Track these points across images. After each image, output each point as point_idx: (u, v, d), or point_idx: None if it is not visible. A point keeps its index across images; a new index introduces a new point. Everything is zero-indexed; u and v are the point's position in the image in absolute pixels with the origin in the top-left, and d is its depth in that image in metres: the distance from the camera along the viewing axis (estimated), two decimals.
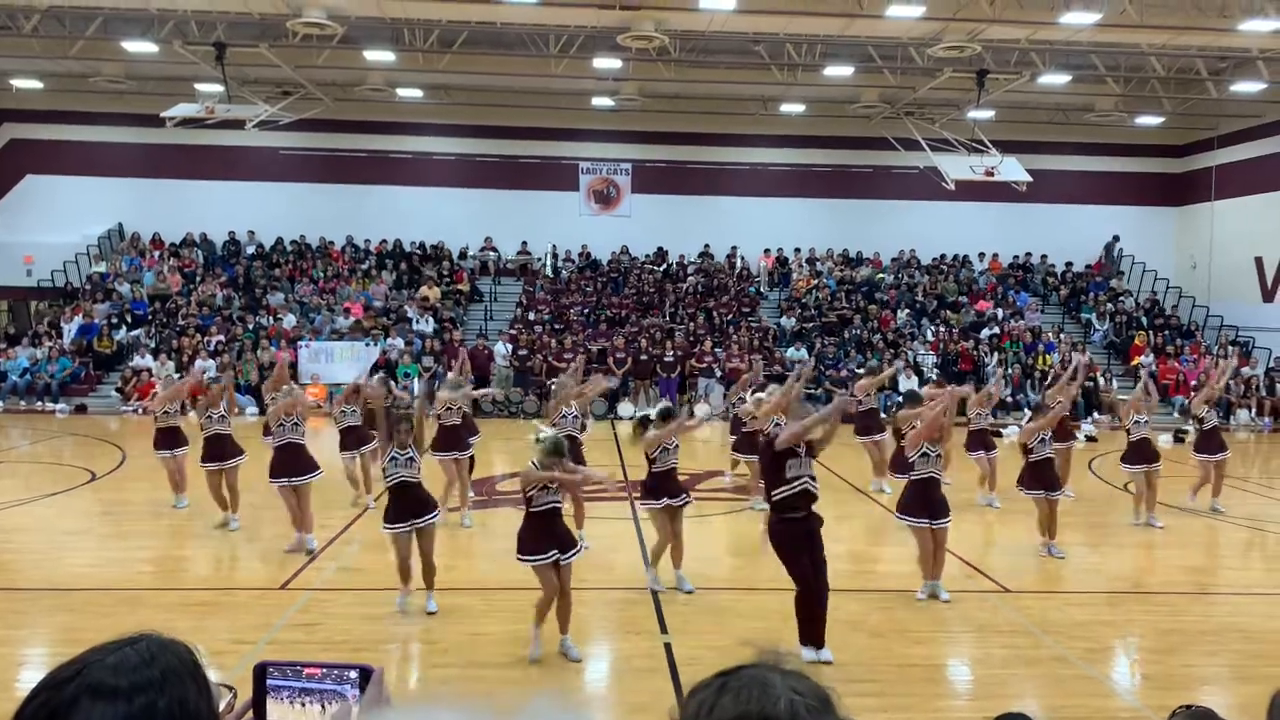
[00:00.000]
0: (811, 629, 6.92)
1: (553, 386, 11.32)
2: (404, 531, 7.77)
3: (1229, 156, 27.07)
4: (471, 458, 11.66)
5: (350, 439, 11.83)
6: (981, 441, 12.61)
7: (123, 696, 1.15)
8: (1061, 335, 24.94)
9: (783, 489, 6.99)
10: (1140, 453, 11.58)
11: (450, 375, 12.48)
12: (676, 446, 8.66)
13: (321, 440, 13.39)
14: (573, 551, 6.93)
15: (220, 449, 10.58)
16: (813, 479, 7.05)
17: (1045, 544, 10.05)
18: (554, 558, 6.80)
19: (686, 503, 8.66)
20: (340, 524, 10.84)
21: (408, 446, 7.85)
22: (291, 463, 9.70)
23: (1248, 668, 7.10)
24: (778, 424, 10.58)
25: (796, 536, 6.99)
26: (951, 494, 12.54)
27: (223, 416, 10.67)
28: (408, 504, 7.80)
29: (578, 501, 10.21)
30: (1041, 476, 10.05)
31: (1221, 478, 12.59)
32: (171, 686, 1.19)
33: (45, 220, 26.21)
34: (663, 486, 8.55)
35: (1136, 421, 11.63)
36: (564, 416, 10.55)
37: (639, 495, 9.02)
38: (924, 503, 8.29)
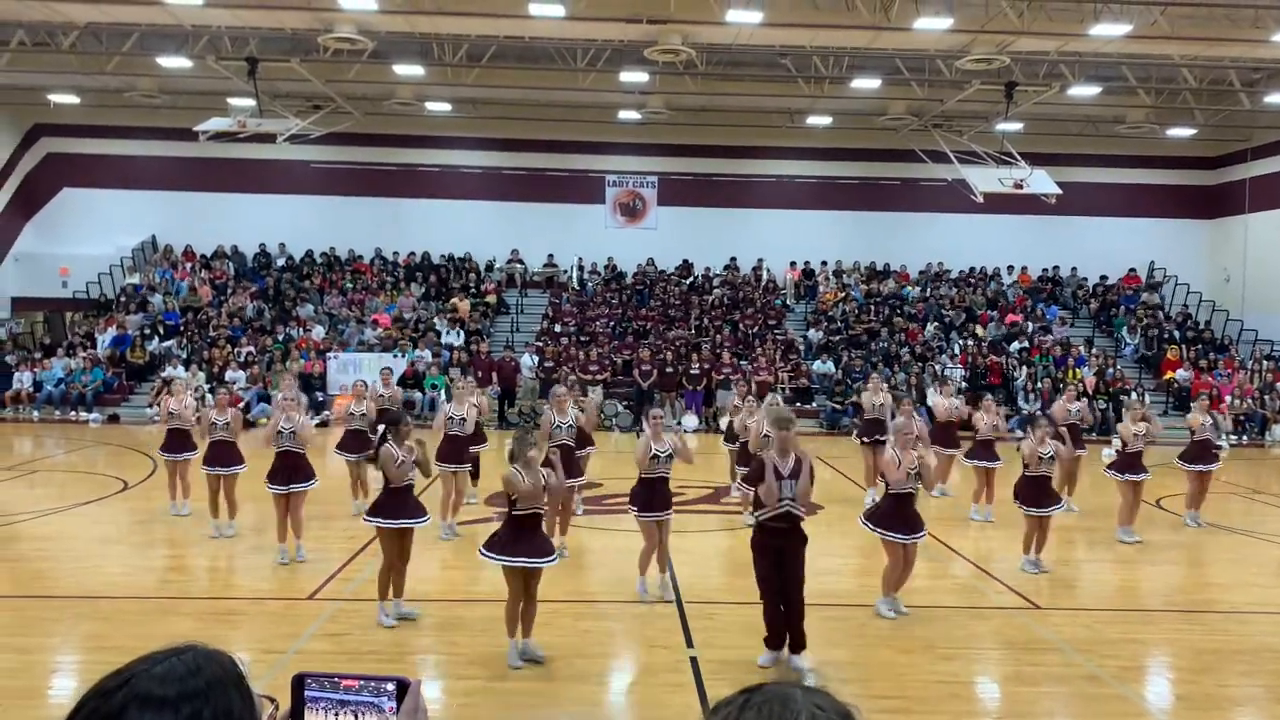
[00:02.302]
0: (778, 638, 7.12)
1: (552, 391, 11.47)
2: (395, 528, 7.87)
3: (1263, 168, 26.73)
4: (475, 471, 11.93)
5: (352, 442, 11.97)
6: (986, 452, 12.50)
7: (170, 705, 1.17)
8: (1093, 349, 24.69)
9: (765, 512, 7.10)
10: (1130, 464, 11.50)
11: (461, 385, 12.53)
12: (669, 456, 8.60)
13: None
14: (544, 560, 6.95)
15: (223, 456, 10.73)
16: (794, 501, 7.07)
17: (1034, 559, 9.91)
18: (520, 564, 6.89)
19: (665, 518, 8.64)
20: (366, 535, 10.89)
21: (413, 449, 7.97)
22: (290, 470, 9.78)
23: None
24: (768, 435, 10.64)
25: (766, 547, 7.11)
26: (961, 505, 12.57)
27: (227, 424, 10.81)
28: (402, 505, 7.93)
29: (560, 508, 10.30)
30: (1036, 492, 9.89)
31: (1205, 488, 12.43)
32: (216, 696, 1.21)
33: (80, 233, 26.67)
34: (648, 496, 8.58)
35: (1135, 434, 11.54)
36: (558, 427, 10.54)
37: (628, 501, 9.03)
38: (901, 518, 8.22)
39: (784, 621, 7.11)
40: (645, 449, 8.60)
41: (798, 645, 7.12)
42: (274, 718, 1.48)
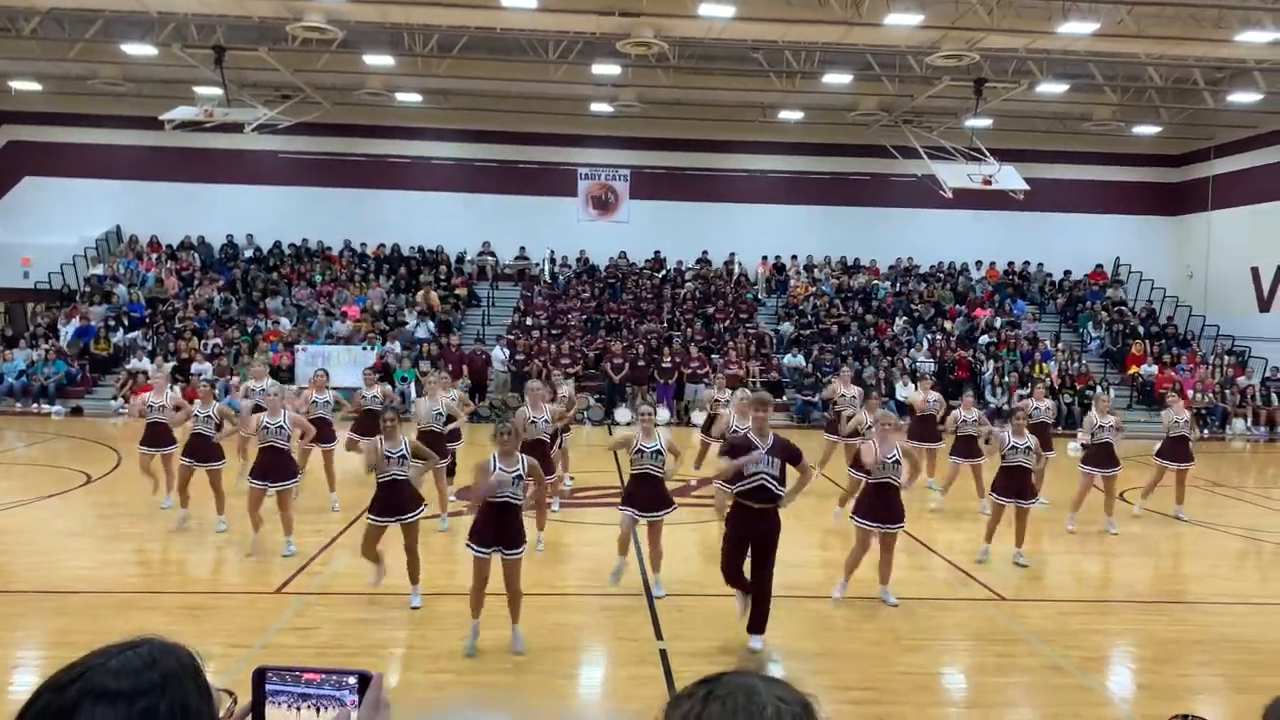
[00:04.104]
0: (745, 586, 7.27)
1: (527, 386, 11.43)
2: (385, 524, 7.99)
3: (1225, 167, 27.18)
4: (452, 465, 11.88)
5: (323, 430, 11.84)
6: (966, 449, 12.62)
7: (124, 699, 1.16)
8: (1059, 344, 25.00)
9: (740, 484, 7.16)
10: (1099, 457, 11.68)
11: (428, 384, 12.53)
12: (656, 452, 8.48)
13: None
14: (517, 550, 7.01)
15: (200, 449, 10.59)
16: (772, 478, 7.08)
17: (1017, 552, 10.08)
18: (495, 553, 6.96)
19: (659, 516, 8.49)
20: (337, 528, 10.83)
21: (398, 442, 8.01)
22: (273, 467, 9.67)
23: (1242, 678, 7.11)
24: (736, 429, 10.64)
25: (740, 519, 7.19)
26: (946, 501, 12.71)
27: (208, 417, 10.66)
28: (396, 500, 7.99)
29: (539, 504, 10.32)
30: (1013, 484, 10.02)
31: (1171, 484, 12.66)
32: (173, 690, 1.20)
33: (43, 222, 26.23)
34: (634, 493, 8.52)
35: (1101, 426, 11.68)
36: (533, 423, 10.49)
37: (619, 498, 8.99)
38: (876, 507, 8.30)
39: (751, 600, 7.20)
40: (629, 443, 8.57)
41: (758, 626, 7.22)
42: (232, 711, 1.46)
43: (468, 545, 7.07)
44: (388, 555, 8.26)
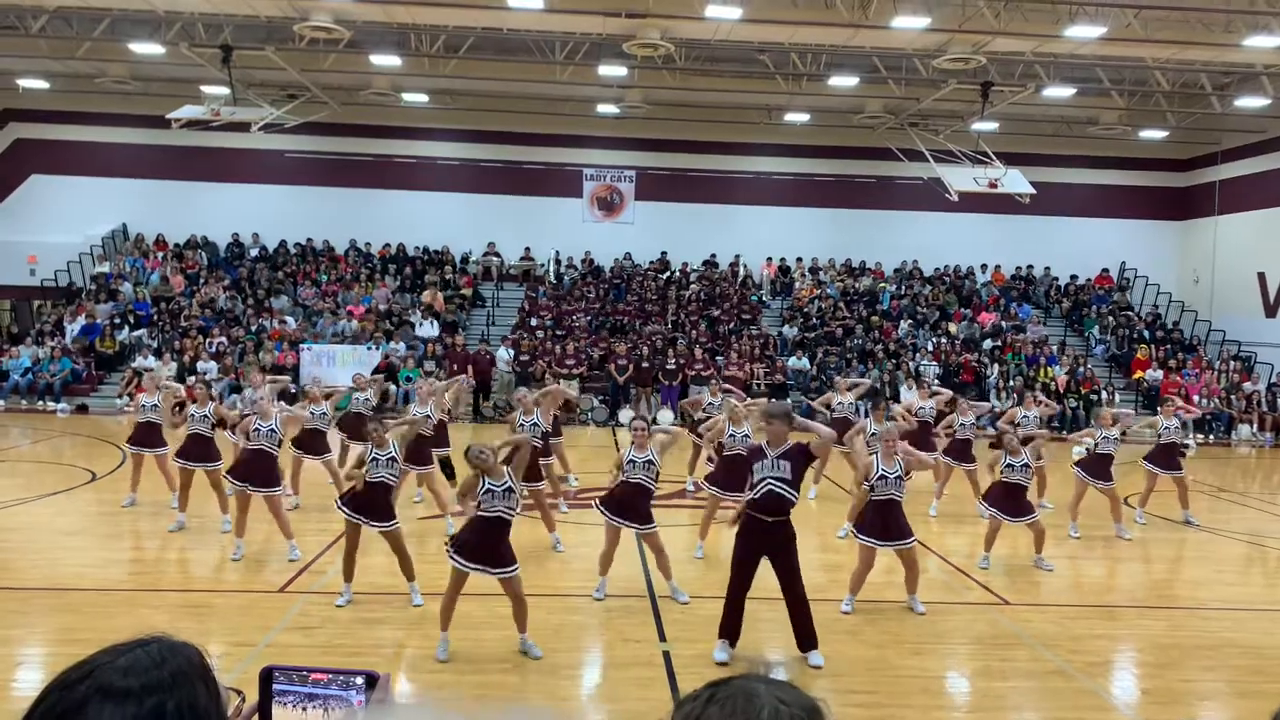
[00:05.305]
0: (732, 628, 7.10)
1: (520, 392, 11.42)
2: (353, 519, 7.98)
3: (1232, 171, 27.12)
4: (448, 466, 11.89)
5: (310, 441, 11.85)
6: (961, 453, 12.59)
7: (133, 698, 1.16)
8: (1066, 349, 24.95)
9: (751, 491, 7.02)
10: (1096, 466, 11.66)
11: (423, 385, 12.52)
12: (648, 462, 8.33)
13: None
14: (507, 568, 6.86)
15: (198, 449, 10.55)
16: (780, 481, 6.91)
17: (1038, 557, 10.09)
18: (476, 571, 6.84)
19: (643, 530, 8.37)
20: (341, 527, 10.81)
21: (386, 445, 8.04)
22: (257, 471, 9.56)
23: (1246, 684, 7.09)
24: (732, 435, 10.59)
25: (751, 534, 7.00)
26: (946, 505, 12.69)
27: (205, 417, 10.63)
28: (373, 503, 7.98)
29: (543, 508, 10.32)
30: (1008, 501, 9.92)
31: (1169, 490, 12.64)
32: (181, 689, 1.20)
33: (49, 220, 26.29)
34: (621, 502, 8.40)
35: (1105, 437, 11.62)
36: (522, 426, 10.47)
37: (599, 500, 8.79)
38: (881, 524, 8.22)
39: (791, 618, 7.06)
40: (621, 463, 8.51)
41: (808, 643, 7.06)
42: (240, 710, 1.47)
43: (447, 552, 6.97)
44: (379, 555, 8.26)
